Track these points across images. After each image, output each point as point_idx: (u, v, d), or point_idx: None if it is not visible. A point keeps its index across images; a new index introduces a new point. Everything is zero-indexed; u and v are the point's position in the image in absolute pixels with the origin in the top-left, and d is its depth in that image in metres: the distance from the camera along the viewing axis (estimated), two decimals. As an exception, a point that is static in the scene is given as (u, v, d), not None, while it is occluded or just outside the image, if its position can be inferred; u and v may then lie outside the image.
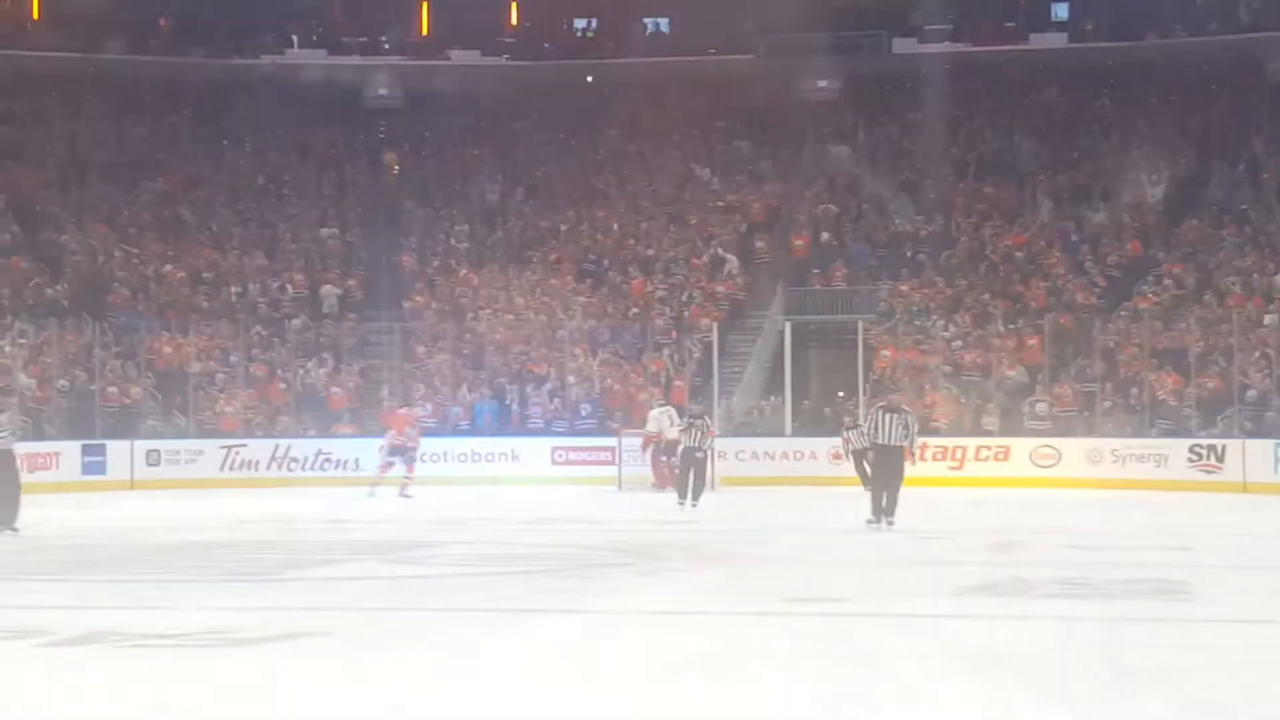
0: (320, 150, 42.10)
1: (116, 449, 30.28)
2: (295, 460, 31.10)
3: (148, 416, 31.94)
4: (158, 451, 30.77)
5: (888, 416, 19.09)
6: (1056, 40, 42.78)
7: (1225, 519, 21.55)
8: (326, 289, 36.58)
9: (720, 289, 35.72)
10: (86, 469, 29.49)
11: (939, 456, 28.79)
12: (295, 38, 44.38)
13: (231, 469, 30.81)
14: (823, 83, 41.93)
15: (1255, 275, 33.11)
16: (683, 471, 23.06)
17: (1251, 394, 29.50)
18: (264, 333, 34.58)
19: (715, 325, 32.36)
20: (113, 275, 36.03)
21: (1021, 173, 38.80)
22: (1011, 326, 32.46)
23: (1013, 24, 43.35)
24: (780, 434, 30.94)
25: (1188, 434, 28.85)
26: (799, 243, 37.53)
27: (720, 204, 39.00)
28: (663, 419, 27.19)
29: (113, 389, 32.12)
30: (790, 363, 31.42)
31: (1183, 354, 30.53)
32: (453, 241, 38.64)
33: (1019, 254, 35.29)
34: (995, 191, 38.07)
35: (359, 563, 15.42)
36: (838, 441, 27.44)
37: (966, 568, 14.43)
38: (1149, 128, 39.17)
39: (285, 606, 11.94)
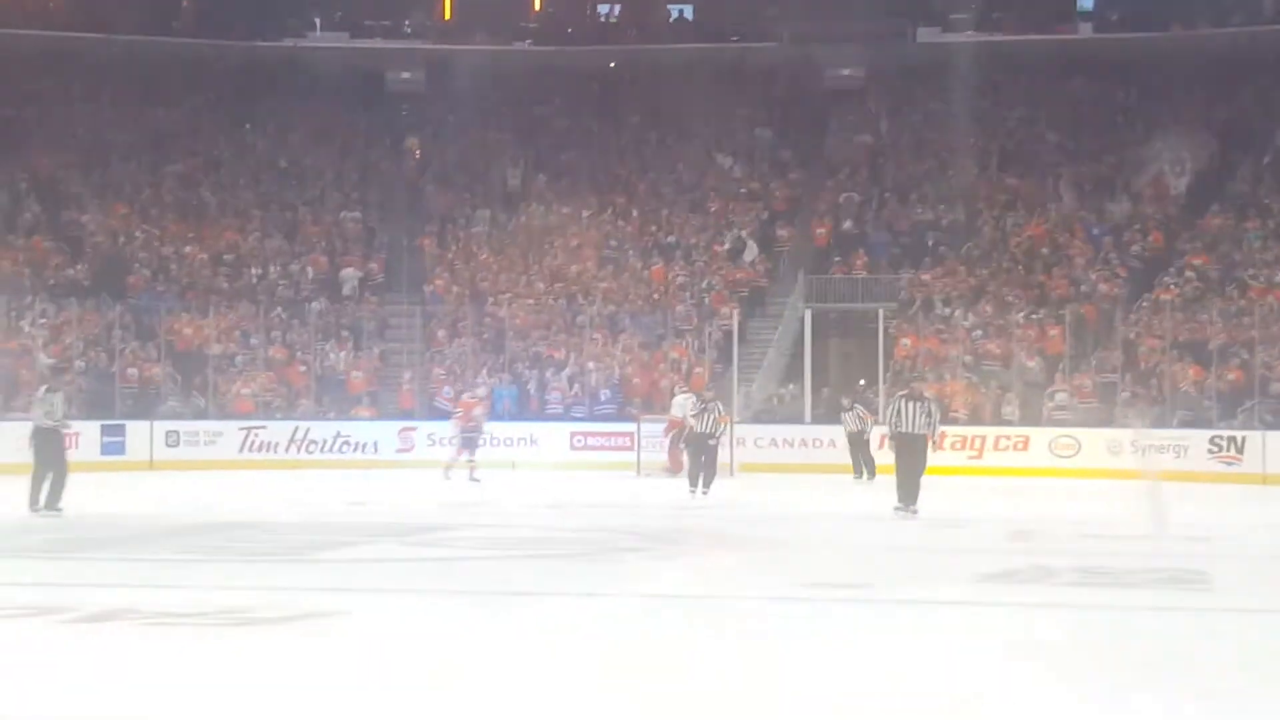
0: (342, 133, 42.11)
1: (136, 429, 30.41)
2: (314, 442, 31.20)
3: (167, 398, 32.05)
4: (177, 432, 30.89)
5: (910, 404, 18.94)
6: (1082, 31, 42.67)
7: (1244, 510, 21.52)
8: (347, 272, 36.62)
9: (741, 276, 35.73)
10: (106, 449, 29.58)
11: (958, 446, 28.77)
12: (318, 21, 44.42)
13: (250, 450, 30.90)
14: (846, 71, 41.87)
15: (1278, 268, 32.99)
16: (692, 458, 22.39)
17: (1274, 386, 29.41)
18: (284, 315, 34.65)
19: (735, 312, 32.35)
20: (133, 256, 36.14)
21: (1044, 163, 38.71)
22: (1033, 316, 32.40)
23: (1038, 14, 43.22)
24: (800, 421, 30.97)
25: (1208, 425, 28.80)
26: (820, 231, 37.51)
27: (742, 191, 38.99)
28: (686, 405, 27.16)
29: (132, 370, 32.24)
30: (810, 350, 31.49)
31: (1204, 346, 30.45)
32: (474, 226, 38.66)
33: (1041, 245, 35.22)
34: (1018, 181, 37.99)
35: (378, 544, 15.44)
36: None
37: (986, 555, 14.43)
38: (1173, 119, 38.99)
39: (305, 587, 12.00)
